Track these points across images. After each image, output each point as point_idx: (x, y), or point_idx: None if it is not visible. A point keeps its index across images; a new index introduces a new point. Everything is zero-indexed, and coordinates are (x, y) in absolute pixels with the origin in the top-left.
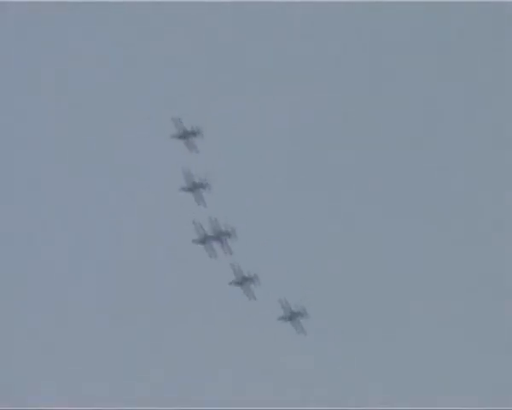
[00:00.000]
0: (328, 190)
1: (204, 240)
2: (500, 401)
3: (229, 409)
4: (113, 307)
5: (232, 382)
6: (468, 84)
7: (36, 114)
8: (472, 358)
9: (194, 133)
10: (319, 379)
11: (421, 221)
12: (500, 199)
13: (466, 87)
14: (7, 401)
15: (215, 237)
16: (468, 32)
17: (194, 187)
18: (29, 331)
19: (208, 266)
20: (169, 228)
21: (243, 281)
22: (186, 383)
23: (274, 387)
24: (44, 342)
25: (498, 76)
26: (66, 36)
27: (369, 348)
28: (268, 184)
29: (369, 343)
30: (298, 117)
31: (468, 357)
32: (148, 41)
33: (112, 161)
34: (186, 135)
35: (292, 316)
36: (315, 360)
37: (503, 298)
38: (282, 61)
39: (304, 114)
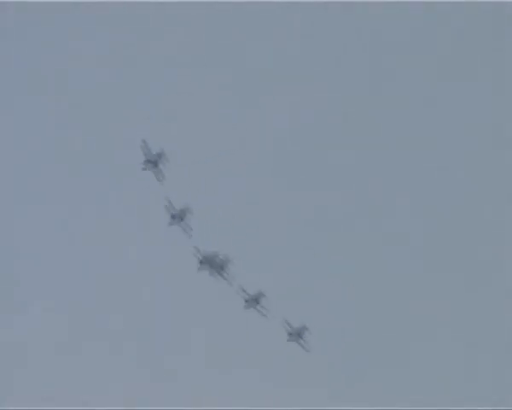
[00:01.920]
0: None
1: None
2: (500, 401)
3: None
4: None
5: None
6: (467, 84)
7: (36, 114)
8: (473, 358)
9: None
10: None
11: (421, 220)
12: (500, 199)
13: (466, 87)
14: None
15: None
16: (468, 32)
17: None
18: (32, 332)
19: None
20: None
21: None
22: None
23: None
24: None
25: (498, 76)
26: (66, 36)
27: (370, 348)
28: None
29: (371, 344)
30: (298, 117)
31: (469, 357)
32: (148, 41)
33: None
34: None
35: (297, 333)
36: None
37: (504, 298)
38: (282, 61)
39: (304, 113)
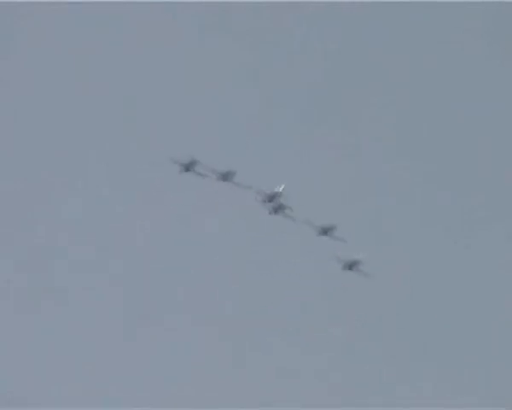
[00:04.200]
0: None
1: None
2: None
3: None
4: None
5: None
6: (467, 85)
7: (35, 115)
8: (474, 357)
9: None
10: None
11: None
12: (500, 197)
13: (465, 88)
14: (7, 402)
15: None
16: (469, 32)
17: None
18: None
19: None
20: None
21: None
22: None
23: None
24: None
25: (498, 76)
26: (66, 36)
27: None
28: None
29: None
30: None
31: (470, 356)
32: (147, 41)
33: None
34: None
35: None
36: None
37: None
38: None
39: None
